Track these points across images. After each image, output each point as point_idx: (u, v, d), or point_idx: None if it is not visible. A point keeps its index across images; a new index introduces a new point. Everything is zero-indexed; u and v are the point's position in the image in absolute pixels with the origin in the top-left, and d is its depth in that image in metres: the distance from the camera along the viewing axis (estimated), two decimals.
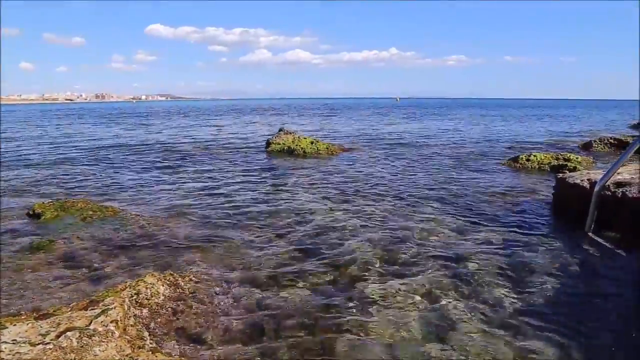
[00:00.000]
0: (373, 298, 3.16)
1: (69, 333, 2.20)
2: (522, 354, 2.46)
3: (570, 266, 3.71)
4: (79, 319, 2.36)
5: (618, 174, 4.79)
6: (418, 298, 3.14)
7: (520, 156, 9.33)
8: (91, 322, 2.33)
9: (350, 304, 3.06)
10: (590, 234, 4.37)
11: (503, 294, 3.19)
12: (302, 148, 11.14)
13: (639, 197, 4.26)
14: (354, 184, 7.25)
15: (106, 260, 3.88)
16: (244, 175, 8.08)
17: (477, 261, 3.81)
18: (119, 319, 2.45)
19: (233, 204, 5.86)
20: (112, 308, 2.52)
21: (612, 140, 11.89)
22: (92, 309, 2.52)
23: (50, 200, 5.68)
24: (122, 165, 9.51)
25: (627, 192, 4.40)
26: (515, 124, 23.93)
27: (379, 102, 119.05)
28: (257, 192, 6.67)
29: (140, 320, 2.70)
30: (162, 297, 3.02)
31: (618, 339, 2.61)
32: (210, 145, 13.49)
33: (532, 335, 2.65)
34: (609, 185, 4.57)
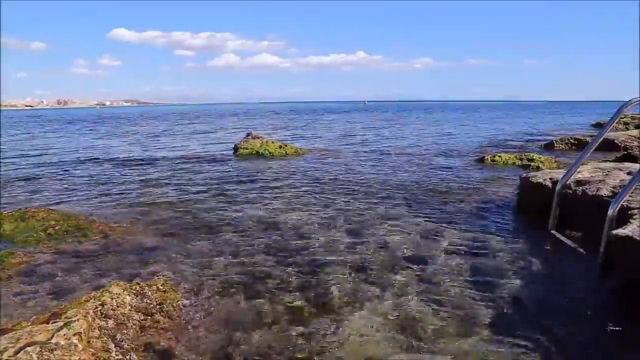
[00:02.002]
0: (342, 302, 3.16)
1: (28, 348, 2.12)
2: (489, 353, 2.50)
3: (534, 263, 3.81)
4: (40, 333, 2.27)
5: (578, 172, 4.95)
6: (385, 300, 3.16)
7: (486, 156, 9.55)
8: (53, 336, 2.25)
9: (320, 310, 3.05)
10: (553, 231, 4.49)
11: (468, 293, 3.24)
12: (270, 152, 11.10)
13: (598, 194, 4.40)
14: (322, 186, 7.26)
15: (70, 272, 3.75)
16: (211, 181, 7.97)
17: (442, 261, 3.87)
18: (82, 332, 2.37)
19: (200, 211, 5.77)
20: (75, 320, 2.44)
21: (572, 140, 12.29)
22: (54, 322, 2.43)
23: (9, 211, 5.47)
24: (86, 173, 9.24)
25: (587, 190, 4.54)
26: (480, 125, 24.48)
27: (347, 105, 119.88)
28: (225, 197, 6.59)
29: (106, 331, 2.62)
30: (128, 308, 2.93)
31: (580, 334, 2.69)
32: (177, 150, 13.29)
33: (497, 334, 2.69)
34: (570, 184, 4.71)
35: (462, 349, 2.54)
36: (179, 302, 3.15)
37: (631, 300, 2.98)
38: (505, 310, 3.00)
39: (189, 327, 2.84)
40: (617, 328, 2.68)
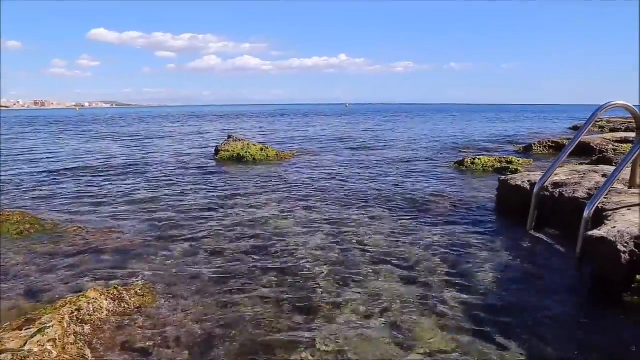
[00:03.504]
0: (322, 301, 3.15)
1: (0, 356, 2.06)
2: (468, 349, 2.52)
3: (513, 263, 3.87)
4: (13, 340, 2.22)
5: (555, 175, 5.04)
6: (364, 300, 3.17)
7: (466, 159, 9.64)
8: (26, 343, 2.19)
9: (301, 312, 3.03)
10: (531, 232, 4.56)
11: (450, 294, 3.26)
12: (251, 155, 11.04)
13: (574, 196, 4.48)
14: (303, 189, 7.24)
15: (45, 276, 3.66)
16: (191, 184, 7.89)
17: (424, 262, 3.90)
18: (57, 338, 2.32)
19: (179, 213, 5.70)
20: (50, 326, 2.38)
21: (550, 143, 12.50)
22: (27, 329, 2.37)
23: None
24: (63, 175, 9.05)
25: (563, 192, 4.63)
26: (460, 129, 24.76)
27: (329, 108, 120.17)
28: (205, 200, 6.53)
29: (82, 337, 2.57)
30: (105, 313, 2.89)
31: (560, 331, 2.73)
32: (157, 153, 13.12)
33: (477, 328, 2.73)
34: (547, 186, 4.79)
35: (440, 346, 2.55)
36: (158, 304, 3.11)
37: (604, 293, 3.09)
38: (485, 305, 3.04)
39: (167, 328, 2.80)
40: (591, 316, 2.84)
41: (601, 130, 17.36)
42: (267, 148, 11.76)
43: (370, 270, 3.72)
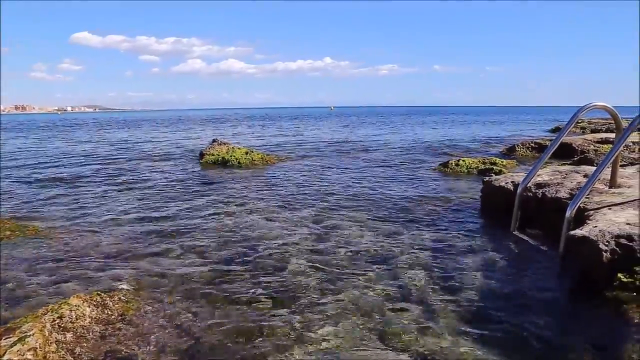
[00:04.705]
0: (308, 304, 3.15)
1: None
2: (453, 353, 2.53)
3: (497, 264, 3.90)
4: None
5: (538, 175, 5.09)
6: (350, 300, 3.17)
7: (450, 161, 9.71)
8: (5, 353, 2.15)
9: (287, 316, 3.02)
10: (515, 232, 4.60)
11: (433, 294, 3.28)
12: (236, 158, 10.99)
13: (557, 197, 4.53)
14: (288, 193, 7.22)
15: (26, 283, 3.58)
16: (175, 188, 7.82)
17: (409, 263, 3.92)
18: (38, 347, 2.27)
19: (164, 218, 5.65)
20: (30, 335, 2.34)
21: (533, 144, 12.65)
22: (7, 338, 2.32)
23: None
24: (43, 180, 8.91)
25: (546, 193, 4.68)
26: (444, 131, 24.95)
27: (314, 111, 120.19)
28: (189, 204, 6.48)
29: (64, 346, 2.52)
30: (88, 320, 2.84)
31: (544, 330, 2.75)
32: (141, 157, 12.98)
33: (460, 326, 2.75)
34: (530, 187, 4.84)
35: (425, 345, 2.56)
36: (142, 310, 3.07)
37: (587, 292, 3.13)
38: (468, 306, 3.06)
39: (152, 333, 2.76)
40: (575, 315, 2.92)
41: (583, 132, 17.62)
42: (252, 152, 11.72)
43: (355, 273, 3.72)
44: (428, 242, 4.48)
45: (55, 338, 2.53)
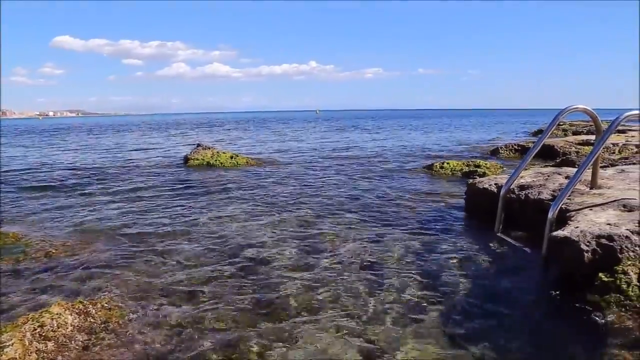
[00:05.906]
0: (294, 308, 3.14)
1: None
2: (435, 354, 2.54)
3: (481, 265, 3.95)
4: None
5: (521, 177, 5.15)
6: (337, 305, 3.17)
7: (435, 164, 9.78)
8: None
9: (271, 317, 3.01)
10: (499, 234, 4.65)
11: (418, 297, 3.29)
12: (221, 163, 10.94)
13: (539, 198, 4.59)
14: (274, 197, 7.21)
15: (6, 292, 3.51)
16: (159, 193, 7.74)
17: (394, 264, 3.94)
18: (17, 357, 2.23)
19: (147, 223, 5.58)
20: (9, 345, 2.29)
21: (516, 146, 12.81)
22: None
23: None
24: (24, 188, 8.75)
25: (529, 194, 4.74)
26: (429, 133, 25.15)
27: (299, 114, 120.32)
28: (173, 209, 6.42)
29: (45, 355, 2.47)
30: (70, 328, 2.79)
31: (526, 329, 2.79)
32: (124, 162, 12.82)
33: (447, 336, 2.75)
34: (513, 189, 4.89)
35: (406, 345, 2.58)
36: (126, 317, 3.03)
37: (569, 292, 3.16)
38: (452, 308, 3.08)
39: (136, 340, 2.73)
40: (557, 314, 2.97)
41: (564, 133, 17.87)
42: (237, 156, 11.69)
43: (342, 273, 3.73)
44: (412, 244, 4.50)
45: (36, 347, 2.48)
